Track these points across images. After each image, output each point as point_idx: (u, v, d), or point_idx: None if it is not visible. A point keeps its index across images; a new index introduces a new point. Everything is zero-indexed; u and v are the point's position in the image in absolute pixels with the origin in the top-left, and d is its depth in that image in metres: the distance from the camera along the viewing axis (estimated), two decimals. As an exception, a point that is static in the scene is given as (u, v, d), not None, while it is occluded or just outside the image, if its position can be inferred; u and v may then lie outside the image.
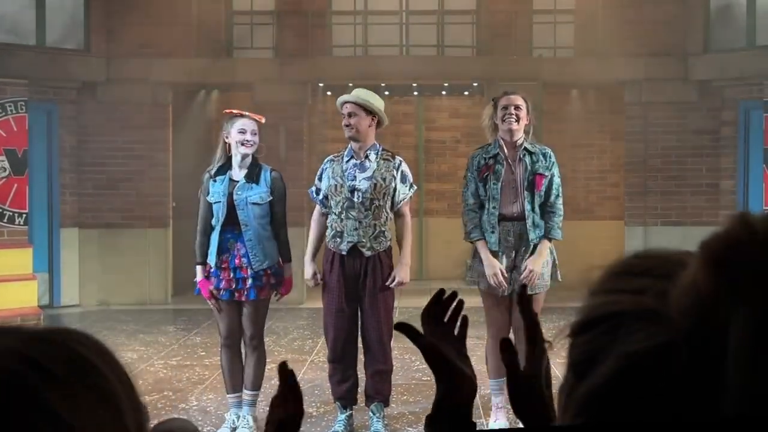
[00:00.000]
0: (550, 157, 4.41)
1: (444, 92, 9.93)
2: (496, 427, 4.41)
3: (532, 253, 4.35)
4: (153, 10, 8.81)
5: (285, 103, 8.89)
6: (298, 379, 5.03)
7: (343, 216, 4.32)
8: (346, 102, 4.38)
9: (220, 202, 4.27)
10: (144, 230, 8.75)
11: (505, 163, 4.37)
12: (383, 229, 4.36)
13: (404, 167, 4.43)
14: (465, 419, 0.96)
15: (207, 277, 4.33)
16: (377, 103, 4.38)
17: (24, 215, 8.00)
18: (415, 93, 10.00)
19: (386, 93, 9.79)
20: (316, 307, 8.47)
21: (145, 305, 8.65)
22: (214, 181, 4.30)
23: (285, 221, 4.43)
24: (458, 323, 1.04)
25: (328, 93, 9.79)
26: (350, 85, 9.51)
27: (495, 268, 4.28)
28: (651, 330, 0.58)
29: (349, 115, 4.32)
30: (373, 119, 4.36)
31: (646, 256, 0.66)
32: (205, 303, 4.59)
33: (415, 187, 4.59)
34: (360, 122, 4.31)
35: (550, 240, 4.38)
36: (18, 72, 8.05)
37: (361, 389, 4.53)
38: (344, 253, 4.32)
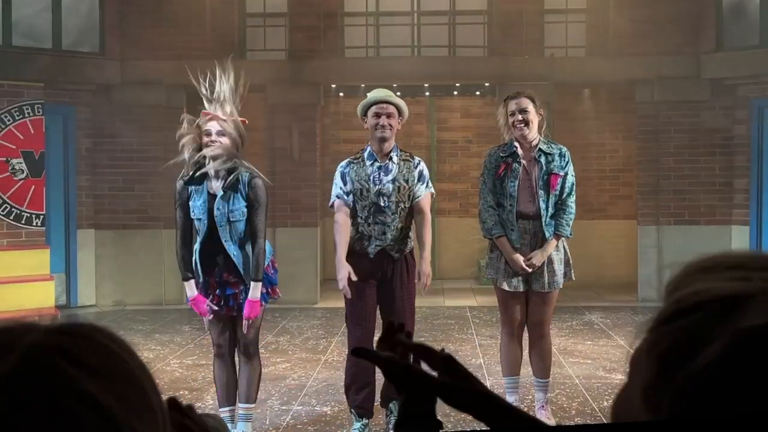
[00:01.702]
0: (565, 157, 4.46)
1: (455, 92, 9.95)
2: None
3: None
4: (167, 12, 8.90)
5: (297, 105, 8.95)
6: (312, 378, 5.07)
7: (370, 220, 4.28)
8: (385, 102, 4.31)
9: (200, 219, 3.98)
10: (159, 231, 8.82)
11: (521, 161, 4.43)
12: (408, 230, 4.37)
13: (422, 166, 4.43)
14: (431, 419, 1.01)
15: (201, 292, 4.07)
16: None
17: (41, 216, 8.10)
18: (427, 93, 10.03)
19: (398, 93, 9.76)
20: (330, 306, 8.54)
21: (161, 305, 8.73)
22: (192, 191, 3.98)
23: (263, 232, 3.96)
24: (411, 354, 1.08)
25: (341, 94, 9.84)
26: (362, 86, 9.57)
27: (519, 261, 4.36)
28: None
29: (388, 116, 4.28)
30: (400, 121, 4.36)
31: (733, 254, 0.67)
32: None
33: (432, 189, 4.50)
34: (396, 124, 4.31)
35: (558, 237, 4.43)
36: (35, 75, 8.16)
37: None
38: (371, 256, 4.28)
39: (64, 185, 8.72)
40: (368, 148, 4.38)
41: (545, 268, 4.42)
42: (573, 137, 9.96)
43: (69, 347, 0.61)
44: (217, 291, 4.03)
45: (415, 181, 4.36)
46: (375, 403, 4.49)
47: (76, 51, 8.76)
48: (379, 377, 4.50)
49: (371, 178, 4.29)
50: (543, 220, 4.40)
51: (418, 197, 4.37)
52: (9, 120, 7.96)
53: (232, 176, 3.94)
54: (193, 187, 3.99)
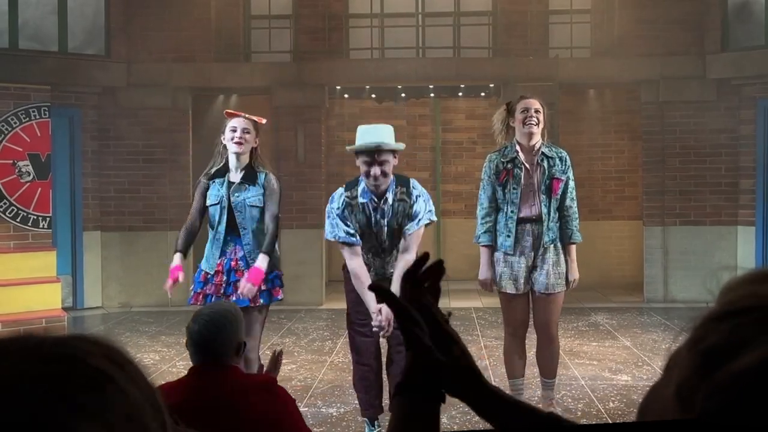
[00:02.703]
0: (565, 161, 4.47)
1: (460, 93, 9.95)
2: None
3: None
4: (172, 15, 8.93)
5: (303, 106, 8.96)
6: (318, 379, 5.07)
7: (370, 255, 4.23)
8: (377, 150, 3.97)
9: (218, 204, 4.24)
10: (165, 233, 8.85)
11: (523, 167, 4.42)
12: None
13: (418, 203, 4.11)
14: (435, 388, 0.95)
15: (205, 283, 4.24)
16: (398, 142, 4.13)
17: (48, 219, 8.13)
18: (432, 95, 10.03)
19: (403, 95, 9.84)
20: (335, 308, 8.55)
21: (167, 307, 8.75)
22: (213, 182, 4.28)
23: (277, 218, 4.21)
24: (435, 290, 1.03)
25: (346, 95, 9.86)
26: (367, 87, 9.59)
27: (485, 275, 4.45)
28: None
29: (381, 163, 3.96)
30: (396, 156, 4.11)
31: None
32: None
33: (433, 217, 4.20)
34: (391, 167, 4.05)
35: (573, 244, 4.47)
36: (41, 78, 8.20)
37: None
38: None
39: (70, 187, 8.75)
40: (362, 183, 4.09)
41: (549, 269, 4.43)
42: (578, 138, 9.96)
43: (66, 383, 0.56)
44: (223, 277, 4.21)
45: (408, 220, 4.12)
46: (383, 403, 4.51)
47: (81, 53, 8.79)
48: (385, 379, 4.51)
49: (371, 221, 4.13)
50: (545, 224, 4.41)
51: (406, 232, 4.13)
52: (15, 122, 8.00)
53: (251, 170, 4.27)
54: (216, 179, 4.30)
